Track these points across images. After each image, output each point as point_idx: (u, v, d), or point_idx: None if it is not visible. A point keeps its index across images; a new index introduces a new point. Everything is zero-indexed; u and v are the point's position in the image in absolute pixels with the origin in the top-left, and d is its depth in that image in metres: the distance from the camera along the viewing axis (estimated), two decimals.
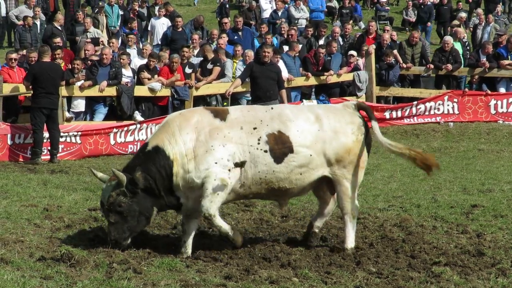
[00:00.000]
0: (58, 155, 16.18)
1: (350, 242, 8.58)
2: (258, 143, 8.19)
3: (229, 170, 8.04)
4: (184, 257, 8.09)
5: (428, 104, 21.20)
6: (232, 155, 8.07)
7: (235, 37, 22.83)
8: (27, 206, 10.07)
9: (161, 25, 24.43)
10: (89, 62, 18.62)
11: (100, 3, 25.42)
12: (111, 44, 20.14)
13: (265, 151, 8.19)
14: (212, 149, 8.04)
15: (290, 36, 22.21)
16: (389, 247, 8.74)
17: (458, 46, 22.30)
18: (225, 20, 24.87)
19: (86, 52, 19.21)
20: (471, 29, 27.77)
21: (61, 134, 16.32)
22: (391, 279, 7.47)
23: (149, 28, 25.37)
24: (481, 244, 8.94)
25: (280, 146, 8.23)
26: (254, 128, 8.23)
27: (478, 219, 10.29)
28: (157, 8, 26.23)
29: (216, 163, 8.01)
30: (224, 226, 8.20)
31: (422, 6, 28.97)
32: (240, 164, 8.06)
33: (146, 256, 7.88)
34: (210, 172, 8.00)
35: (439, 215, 10.50)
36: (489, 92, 21.44)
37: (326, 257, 8.32)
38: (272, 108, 8.61)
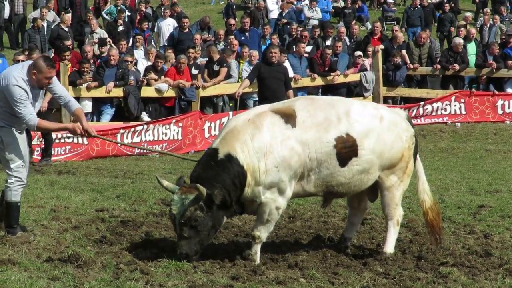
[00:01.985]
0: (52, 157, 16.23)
1: (390, 247, 8.44)
2: (326, 147, 7.91)
3: (288, 189, 7.89)
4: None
5: (435, 105, 21.19)
6: (295, 172, 7.85)
7: (242, 38, 22.83)
8: (34, 207, 10.08)
9: (167, 26, 24.40)
10: (91, 62, 18.61)
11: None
12: (121, 46, 20.08)
13: (332, 155, 7.94)
14: (280, 167, 7.75)
15: (303, 37, 22.13)
16: (396, 247, 8.71)
17: (472, 46, 22.22)
18: (232, 21, 24.85)
19: (88, 53, 18.97)
20: (478, 29, 27.69)
21: (68, 135, 16.35)
22: (398, 279, 7.45)
23: (155, 30, 25.35)
24: (488, 244, 8.92)
25: (346, 150, 7.99)
26: (323, 131, 7.92)
27: (486, 219, 10.27)
28: (162, 8, 26.23)
29: (279, 187, 7.81)
30: (258, 255, 8.05)
31: (412, 8, 28.85)
32: None
33: (153, 257, 7.87)
34: (271, 199, 7.84)
35: (446, 215, 10.47)
36: (496, 92, 21.43)
37: (333, 258, 8.30)
38: (335, 104, 8.22)
